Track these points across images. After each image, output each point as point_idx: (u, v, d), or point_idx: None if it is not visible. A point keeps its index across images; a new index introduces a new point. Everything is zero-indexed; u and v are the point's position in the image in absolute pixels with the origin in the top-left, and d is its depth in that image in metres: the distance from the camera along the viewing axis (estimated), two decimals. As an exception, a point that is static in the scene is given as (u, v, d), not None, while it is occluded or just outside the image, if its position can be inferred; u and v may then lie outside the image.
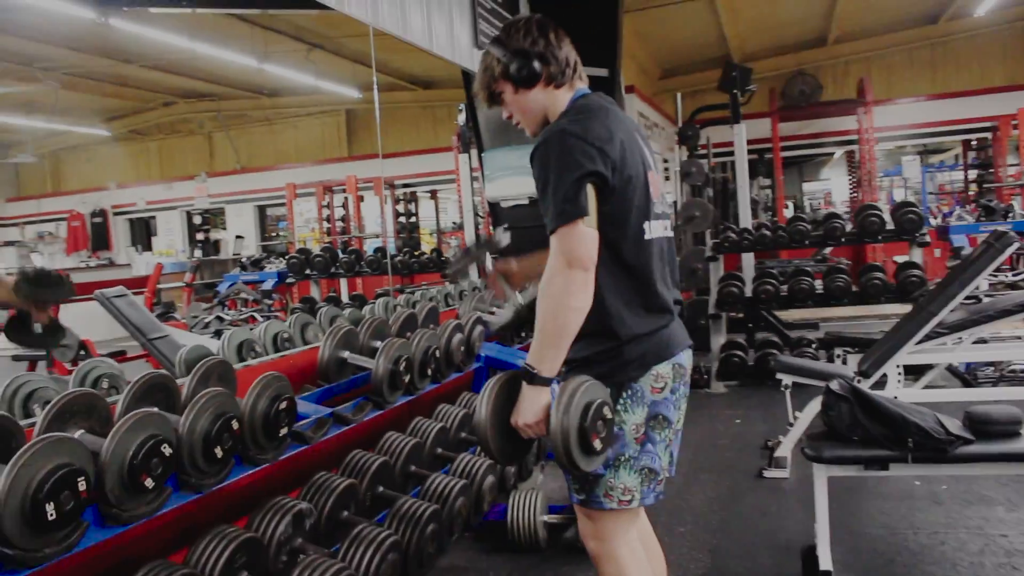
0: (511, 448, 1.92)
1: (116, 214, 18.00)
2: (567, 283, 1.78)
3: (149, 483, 1.69)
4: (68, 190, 19.11)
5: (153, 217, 18.19)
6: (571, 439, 1.75)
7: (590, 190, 1.83)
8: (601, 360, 1.91)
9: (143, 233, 18.91)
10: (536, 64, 1.98)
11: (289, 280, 8.57)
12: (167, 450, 1.72)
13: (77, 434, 1.73)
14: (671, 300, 2.01)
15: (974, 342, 4.60)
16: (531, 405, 1.83)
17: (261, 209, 17.64)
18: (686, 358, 2.03)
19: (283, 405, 2.09)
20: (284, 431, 2.11)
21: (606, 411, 1.81)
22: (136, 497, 1.69)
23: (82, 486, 1.53)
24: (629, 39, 7.17)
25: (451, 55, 4.89)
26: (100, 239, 17.66)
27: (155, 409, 1.78)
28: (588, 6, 6.92)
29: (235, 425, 1.92)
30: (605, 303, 1.89)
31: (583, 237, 1.80)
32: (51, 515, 1.47)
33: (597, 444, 1.79)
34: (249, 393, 2.03)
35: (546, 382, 1.83)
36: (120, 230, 18.25)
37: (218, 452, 1.88)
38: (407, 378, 2.81)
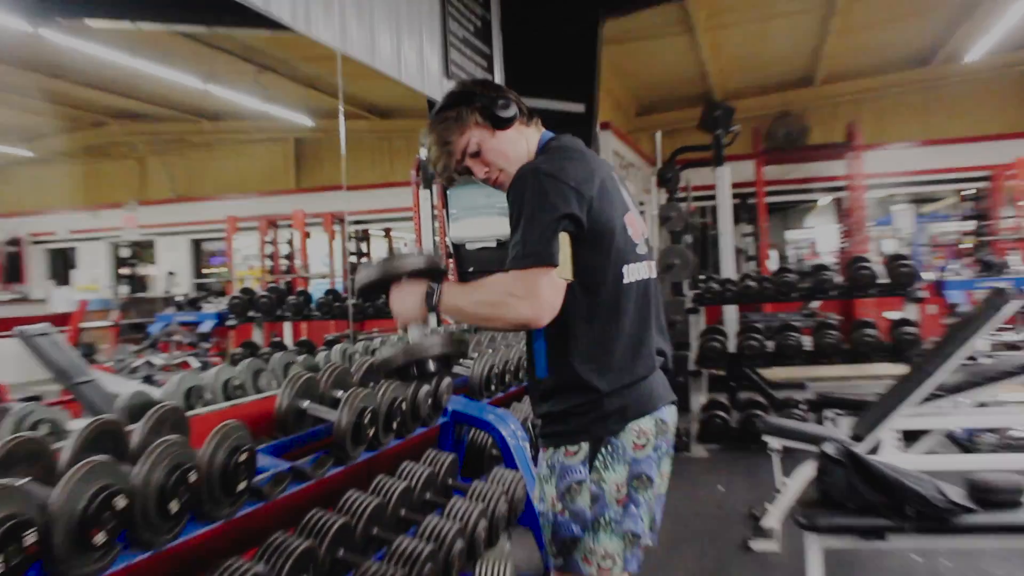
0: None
1: (34, 243, 17.73)
2: (516, 308, 1.87)
3: (100, 539, 1.69)
4: (-20, 215, 18.83)
5: (74, 248, 17.94)
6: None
7: (563, 238, 1.89)
8: (579, 413, 1.97)
9: (62, 265, 18.63)
10: (510, 99, 2.12)
11: (230, 322, 8.50)
12: (121, 502, 1.73)
13: (21, 483, 1.73)
14: (654, 350, 2.07)
15: (974, 406, 4.73)
16: (408, 295, 2.06)
17: (196, 243, 17.50)
18: (669, 414, 2.08)
19: (242, 457, 2.10)
20: (242, 485, 2.12)
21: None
22: (85, 554, 1.69)
23: (29, 540, 1.53)
24: (605, 73, 7.33)
25: (420, 84, 5.00)
26: (13, 270, 17.36)
27: (108, 457, 1.78)
28: (566, 38, 7.10)
29: (192, 477, 1.93)
30: (583, 352, 1.95)
31: (552, 284, 1.87)
32: (-5, 572, 1.47)
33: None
34: (207, 443, 2.04)
35: (430, 304, 2.03)
36: (37, 261, 17.96)
37: (173, 506, 1.89)
38: (371, 431, 2.83)
